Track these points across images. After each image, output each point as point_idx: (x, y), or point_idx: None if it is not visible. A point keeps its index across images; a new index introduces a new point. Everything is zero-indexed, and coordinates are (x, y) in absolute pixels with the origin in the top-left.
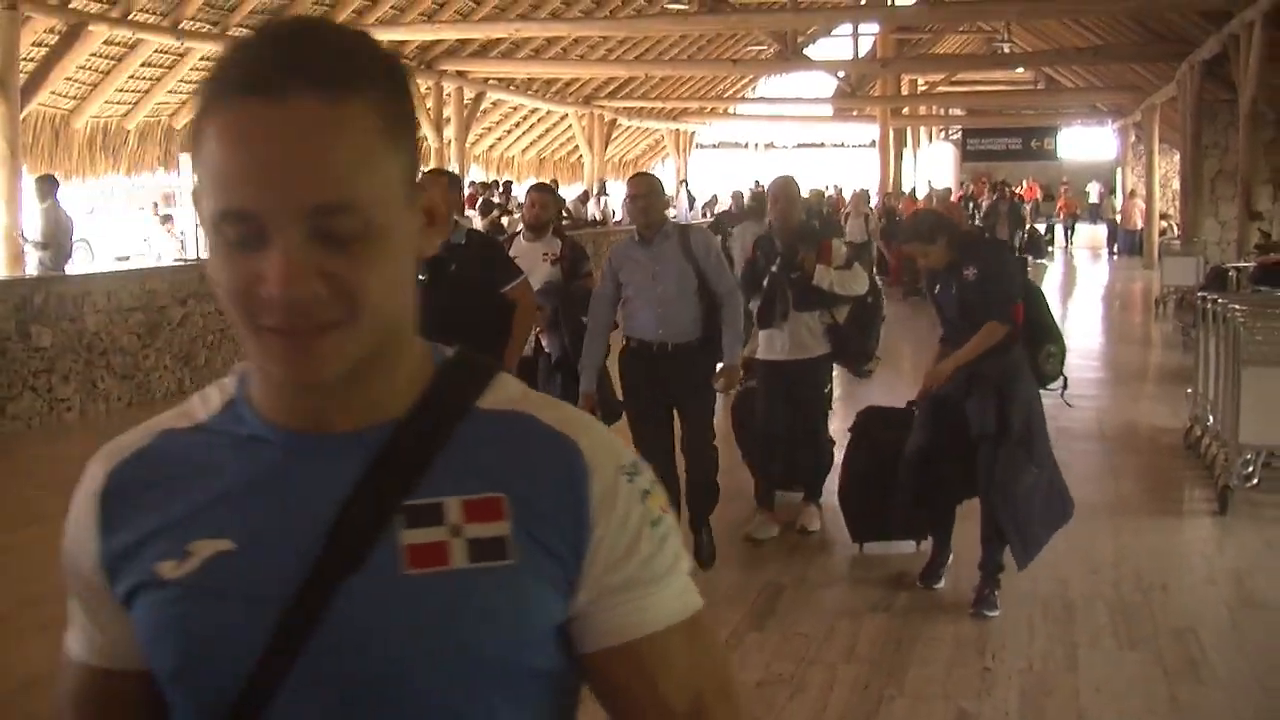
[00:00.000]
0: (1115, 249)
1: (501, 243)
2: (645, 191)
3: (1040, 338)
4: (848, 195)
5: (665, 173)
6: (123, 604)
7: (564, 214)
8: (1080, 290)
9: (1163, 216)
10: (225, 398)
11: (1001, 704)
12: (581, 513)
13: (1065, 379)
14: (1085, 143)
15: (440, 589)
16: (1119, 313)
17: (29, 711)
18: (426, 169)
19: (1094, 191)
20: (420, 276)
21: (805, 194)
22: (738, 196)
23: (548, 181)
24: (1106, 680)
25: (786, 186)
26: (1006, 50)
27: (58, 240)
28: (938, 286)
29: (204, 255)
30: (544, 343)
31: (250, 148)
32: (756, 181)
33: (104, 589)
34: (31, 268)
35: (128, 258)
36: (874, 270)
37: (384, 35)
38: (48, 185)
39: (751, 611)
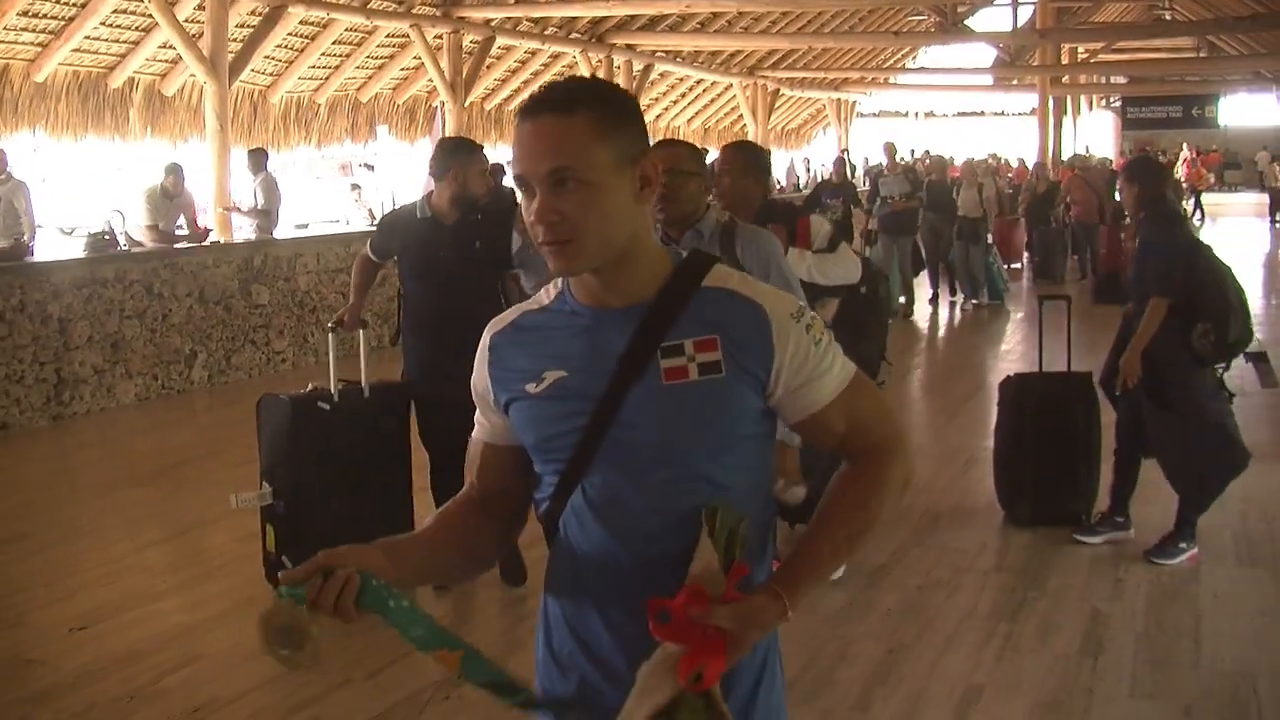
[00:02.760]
0: (1277, 217)
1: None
2: (669, 166)
3: (1194, 315)
4: (1015, 164)
5: (827, 142)
6: (502, 409)
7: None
8: (1239, 258)
9: None
10: (557, 291)
11: (1130, 605)
12: (767, 346)
13: (1234, 360)
14: (1251, 110)
15: (683, 392)
16: (1276, 279)
17: None
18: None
19: (1262, 160)
20: (443, 253)
21: (924, 162)
22: (839, 164)
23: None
24: (1225, 589)
25: (736, 153)
26: (1167, 18)
27: (273, 207)
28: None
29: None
30: None
31: (522, 143)
32: (913, 151)
33: (491, 400)
34: (245, 233)
35: (306, 225)
36: (989, 253)
37: (558, 12)
38: (260, 157)
39: (914, 531)
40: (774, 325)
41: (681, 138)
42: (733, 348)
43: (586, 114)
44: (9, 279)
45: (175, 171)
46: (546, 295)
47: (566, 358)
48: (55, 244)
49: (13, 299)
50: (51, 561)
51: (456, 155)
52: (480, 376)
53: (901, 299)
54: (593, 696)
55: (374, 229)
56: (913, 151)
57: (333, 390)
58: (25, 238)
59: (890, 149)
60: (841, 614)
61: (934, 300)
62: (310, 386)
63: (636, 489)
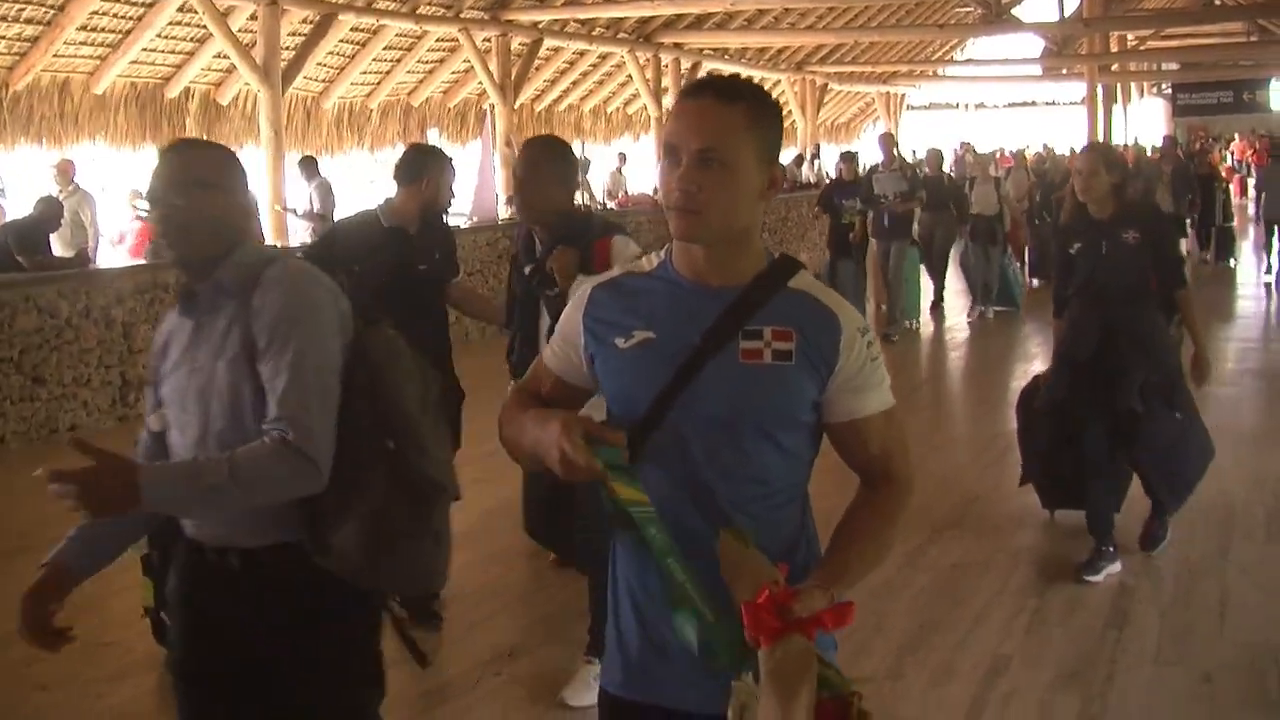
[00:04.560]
0: None
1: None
2: (176, 178)
3: (1175, 305)
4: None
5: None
6: (585, 355)
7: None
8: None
9: None
10: (659, 260)
11: (1158, 579)
12: (834, 349)
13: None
14: None
15: (756, 371)
16: None
17: None
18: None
19: None
20: (410, 263)
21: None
22: (849, 159)
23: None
24: (1253, 564)
25: (538, 151)
26: (1216, 2)
27: (329, 211)
28: (1077, 245)
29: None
30: None
31: (682, 117)
32: (962, 143)
33: (578, 343)
34: (301, 236)
35: None
36: (1005, 254)
37: (605, 13)
38: (311, 164)
39: (950, 513)
40: (844, 333)
41: None
42: (805, 344)
43: (745, 107)
44: (74, 285)
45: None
46: (649, 264)
47: (657, 321)
48: (105, 253)
49: (78, 304)
50: None
51: (432, 162)
52: (573, 320)
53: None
54: (650, 631)
55: (316, 240)
56: (962, 145)
57: None
58: (90, 247)
59: (889, 141)
60: (878, 591)
61: (937, 307)
62: None
63: (700, 447)
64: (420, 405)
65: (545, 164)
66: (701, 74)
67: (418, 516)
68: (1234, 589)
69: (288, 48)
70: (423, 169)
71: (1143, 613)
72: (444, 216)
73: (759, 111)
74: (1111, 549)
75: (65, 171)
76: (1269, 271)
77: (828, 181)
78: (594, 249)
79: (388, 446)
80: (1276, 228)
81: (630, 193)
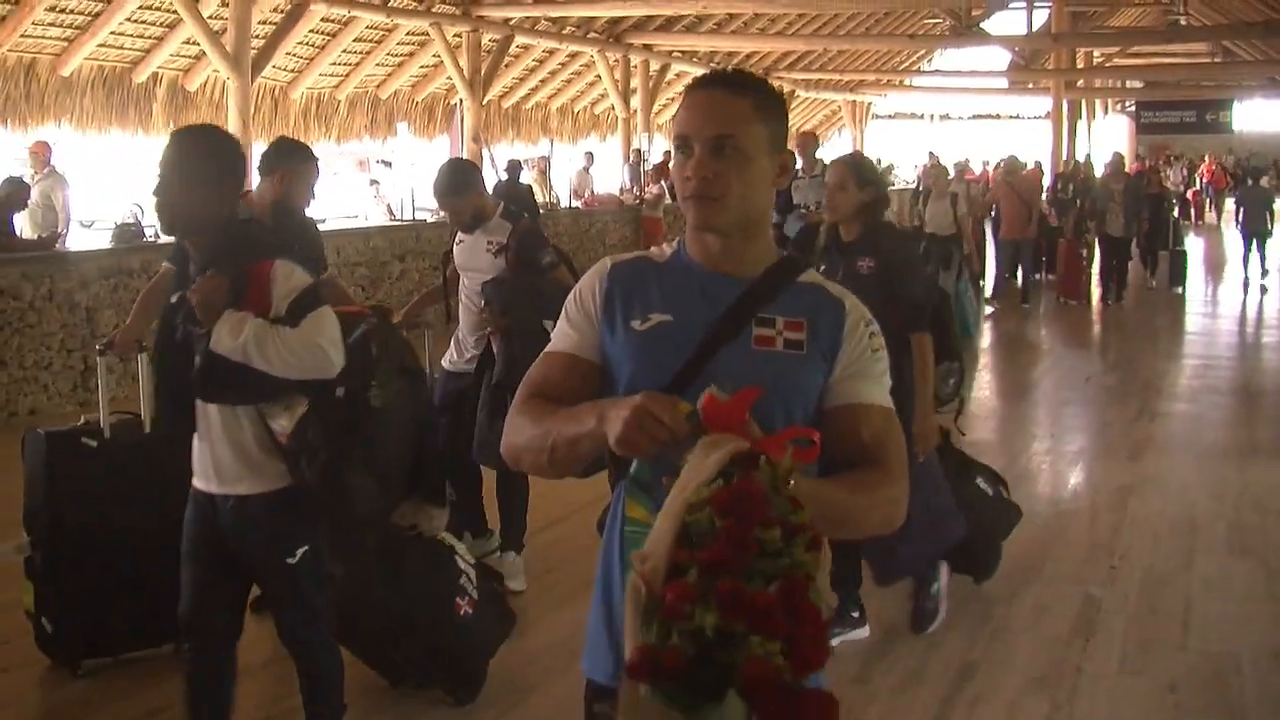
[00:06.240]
0: None
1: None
2: None
3: (938, 354)
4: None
5: (841, 144)
6: (600, 332)
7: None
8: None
9: None
10: (673, 250)
11: (1123, 590)
12: (839, 337)
13: (962, 401)
14: (1265, 115)
15: (767, 358)
16: None
17: None
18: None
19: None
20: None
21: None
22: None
23: (467, 158)
24: (1216, 577)
25: (181, 143)
26: (1182, 23)
27: None
28: (823, 266)
29: (417, 218)
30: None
31: (692, 108)
32: (930, 154)
33: (595, 320)
34: None
35: (324, 220)
36: (961, 279)
37: (576, 11)
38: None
39: None
40: (848, 321)
41: None
42: (815, 334)
43: (753, 96)
44: (39, 268)
45: None
46: (660, 254)
47: (674, 306)
48: (77, 236)
49: (42, 288)
50: None
51: (288, 157)
52: (589, 294)
53: None
54: None
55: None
56: (931, 154)
57: (103, 424)
58: (59, 229)
59: (810, 142)
60: None
61: None
62: (82, 420)
63: None
64: None
65: (189, 160)
66: (669, 76)
67: None
68: (1197, 600)
69: (258, 36)
70: (278, 163)
71: (1108, 622)
72: (302, 211)
73: (765, 101)
74: (856, 614)
75: (39, 154)
76: (1264, 275)
77: None
78: (251, 274)
79: None
80: (1254, 240)
81: (596, 193)
